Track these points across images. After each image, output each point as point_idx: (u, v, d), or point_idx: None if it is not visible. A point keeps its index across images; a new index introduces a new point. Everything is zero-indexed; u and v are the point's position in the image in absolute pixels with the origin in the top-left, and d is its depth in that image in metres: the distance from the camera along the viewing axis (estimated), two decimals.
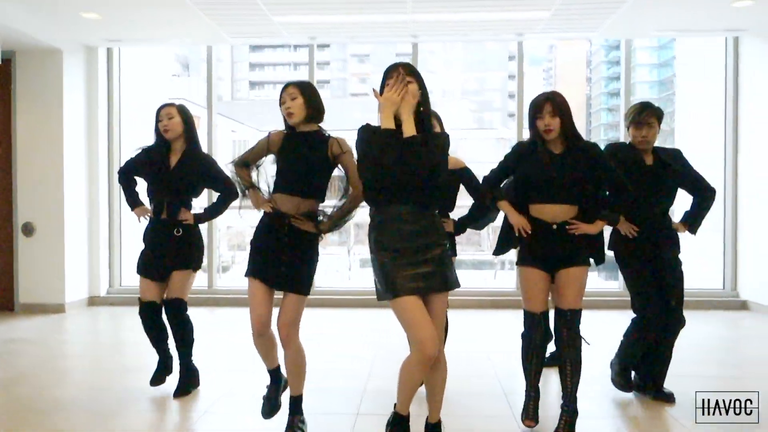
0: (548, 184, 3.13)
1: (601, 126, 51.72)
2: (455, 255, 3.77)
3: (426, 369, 2.68)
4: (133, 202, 3.99)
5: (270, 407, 3.30)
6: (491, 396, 3.89)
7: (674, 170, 3.66)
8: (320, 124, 3.15)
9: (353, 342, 5.48)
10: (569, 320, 3.14)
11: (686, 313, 5.25)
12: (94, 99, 7.26)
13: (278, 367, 3.33)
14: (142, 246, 3.96)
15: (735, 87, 7.09)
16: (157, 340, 3.95)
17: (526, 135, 7.25)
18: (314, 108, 3.09)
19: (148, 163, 3.86)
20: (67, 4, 5.85)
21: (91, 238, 7.27)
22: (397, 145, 2.64)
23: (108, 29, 6.62)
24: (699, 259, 7.60)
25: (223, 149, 18.58)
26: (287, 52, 50.42)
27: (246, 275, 3.13)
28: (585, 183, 3.15)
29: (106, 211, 7.44)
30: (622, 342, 3.80)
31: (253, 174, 3.20)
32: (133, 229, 7.67)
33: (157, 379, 3.93)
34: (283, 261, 3.02)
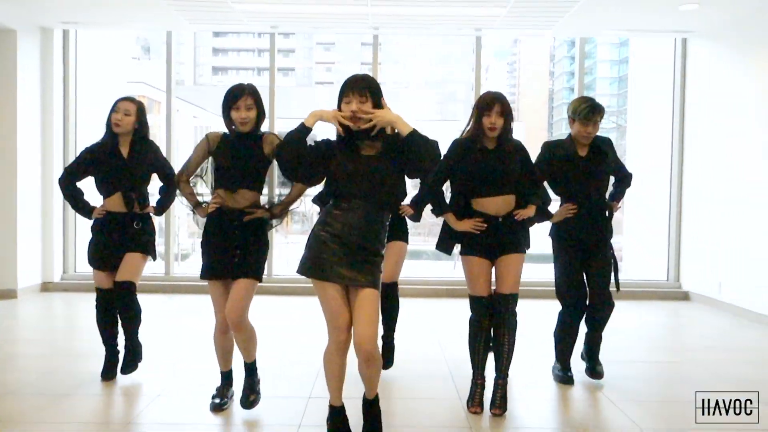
0: (491, 179, 3.33)
1: (563, 120, 52.47)
2: (407, 243, 3.93)
3: (343, 357, 2.79)
4: (85, 207, 3.90)
5: (218, 405, 3.42)
6: (438, 379, 4.03)
7: (607, 157, 3.84)
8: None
9: (308, 330, 5.57)
10: (510, 303, 3.40)
11: (633, 303, 5.51)
12: (49, 81, 7.15)
13: (231, 371, 3.51)
14: (91, 236, 3.92)
15: (682, 86, 7.37)
16: (109, 330, 3.95)
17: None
18: (263, 114, 3.31)
19: (97, 160, 3.83)
20: None
21: (44, 223, 7.17)
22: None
23: (64, 11, 6.53)
24: (644, 252, 7.94)
25: (185, 135, 18.36)
26: (251, 38, 49.79)
27: (202, 277, 3.30)
28: (520, 174, 3.39)
29: (61, 197, 7.31)
30: (555, 341, 4.00)
31: (198, 182, 3.37)
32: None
33: (108, 373, 3.93)
34: (235, 252, 3.20)
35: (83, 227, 7.46)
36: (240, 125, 3.22)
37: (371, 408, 2.92)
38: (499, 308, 3.41)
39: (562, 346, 3.96)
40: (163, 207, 4.03)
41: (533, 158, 3.63)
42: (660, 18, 6.57)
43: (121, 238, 3.84)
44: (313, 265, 2.74)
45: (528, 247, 3.50)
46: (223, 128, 3.35)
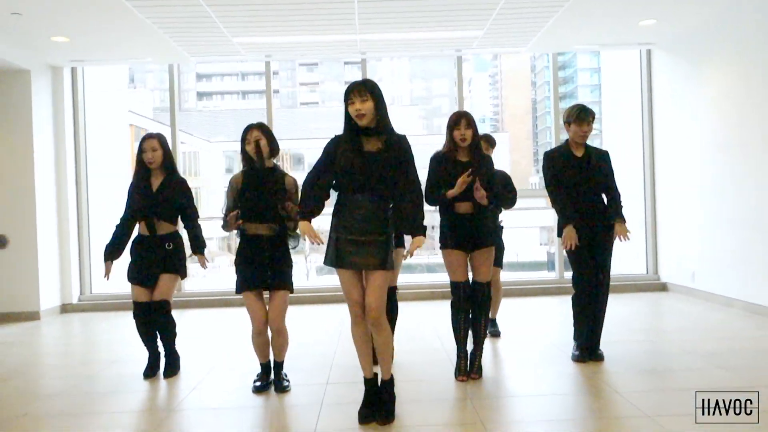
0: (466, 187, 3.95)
1: (547, 129, 53.31)
2: (404, 248, 4.44)
3: (361, 328, 3.29)
4: (114, 252, 4.37)
5: (260, 387, 4.00)
6: (438, 363, 4.52)
7: (601, 167, 4.42)
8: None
9: (318, 331, 6.04)
10: (485, 289, 4.15)
11: (615, 296, 6.12)
12: (60, 116, 7.65)
13: (269, 362, 4.10)
14: (130, 257, 4.44)
15: (649, 93, 7.99)
16: (148, 337, 4.46)
17: None
18: (276, 147, 3.93)
19: (133, 187, 4.41)
20: (39, 30, 6.26)
21: (61, 248, 7.64)
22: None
23: (74, 51, 7.03)
24: (624, 247, 8.47)
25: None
26: (234, 62, 50.37)
27: (239, 292, 3.90)
28: (489, 183, 4.07)
29: (75, 223, 7.82)
30: (574, 323, 4.57)
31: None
32: (103, 238, 8.08)
33: (150, 372, 4.42)
34: (269, 266, 3.83)
35: (97, 251, 7.94)
36: (255, 155, 3.84)
37: (385, 389, 3.37)
38: (475, 293, 4.11)
39: (580, 328, 4.50)
40: (200, 241, 4.46)
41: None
42: (624, 32, 7.16)
43: (155, 257, 4.34)
44: (332, 257, 3.28)
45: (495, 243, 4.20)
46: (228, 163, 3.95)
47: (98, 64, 7.91)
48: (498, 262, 5.14)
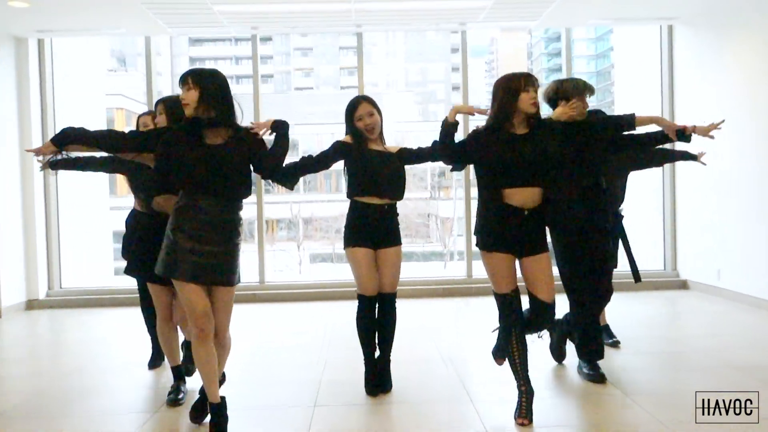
0: (518, 167, 3.07)
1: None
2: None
3: (207, 347, 2.94)
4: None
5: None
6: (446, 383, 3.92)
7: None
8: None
9: (305, 335, 5.43)
10: (550, 314, 3.26)
11: (631, 294, 5.44)
12: (25, 93, 6.95)
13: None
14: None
15: (670, 74, 7.32)
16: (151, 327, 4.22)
17: (471, 126, 7.27)
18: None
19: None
20: None
21: (27, 238, 6.96)
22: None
23: (38, 18, 6.33)
24: (642, 242, 7.88)
25: None
26: (228, 45, 49.39)
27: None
28: (554, 163, 3.12)
29: (42, 210, 7.13)
30: (568, 317, 3.91)
31: None
32: (72, 228, 7.45)
33: (154, 363, 4.29)
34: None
35: (67, 242, 7.29)
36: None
37: (217, 412, 3.04)
38: (534, 314, 3.26)
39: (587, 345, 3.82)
40: None
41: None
42: (646, 5, 6.52)
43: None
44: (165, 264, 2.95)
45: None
46: None
47: (67, 35, 7.19)
48: (614, 260, 4.10)
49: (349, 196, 3.57)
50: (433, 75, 44.32)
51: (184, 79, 2.92)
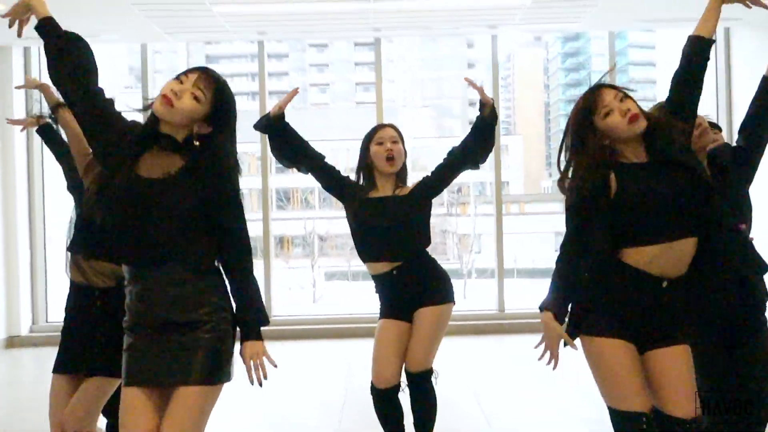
0: (659, 210, 1.95)
1: (560, 132, 52.03)
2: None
3: None
4: None
5: None
6: None
7: None
8: None
9: (320, 382, 4.68)
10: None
11: None
12: (8, 104, 6.32)
13: None
14: None
15: (728, 79, 6.72)
16: None
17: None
18: None
19: None
20: None
21: (8, 266, 6.35)
22: None
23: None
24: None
25: None
26: (245, 62, 49.45)
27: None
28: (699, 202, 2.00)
29: (26, 235, 6.51)
30: None
31: None
32: (61, 255, 6.80)
33: None
34: None
35: (54, 271, 6.62)
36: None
37: None
38: None
39: None
40: None
41: None
42: (700, 4, 5.79)
43: None
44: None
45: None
46: None
47: None
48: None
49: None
50: (448, 90, 43.97)
51: (197, 78, 1.89)
